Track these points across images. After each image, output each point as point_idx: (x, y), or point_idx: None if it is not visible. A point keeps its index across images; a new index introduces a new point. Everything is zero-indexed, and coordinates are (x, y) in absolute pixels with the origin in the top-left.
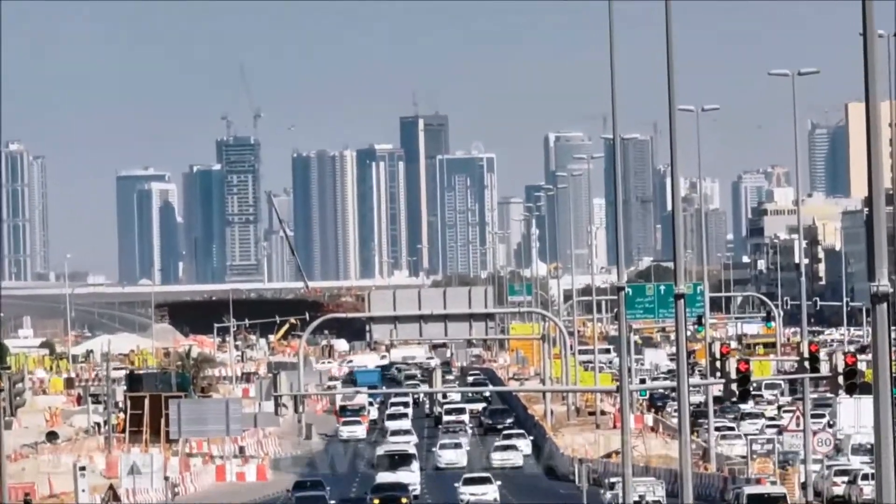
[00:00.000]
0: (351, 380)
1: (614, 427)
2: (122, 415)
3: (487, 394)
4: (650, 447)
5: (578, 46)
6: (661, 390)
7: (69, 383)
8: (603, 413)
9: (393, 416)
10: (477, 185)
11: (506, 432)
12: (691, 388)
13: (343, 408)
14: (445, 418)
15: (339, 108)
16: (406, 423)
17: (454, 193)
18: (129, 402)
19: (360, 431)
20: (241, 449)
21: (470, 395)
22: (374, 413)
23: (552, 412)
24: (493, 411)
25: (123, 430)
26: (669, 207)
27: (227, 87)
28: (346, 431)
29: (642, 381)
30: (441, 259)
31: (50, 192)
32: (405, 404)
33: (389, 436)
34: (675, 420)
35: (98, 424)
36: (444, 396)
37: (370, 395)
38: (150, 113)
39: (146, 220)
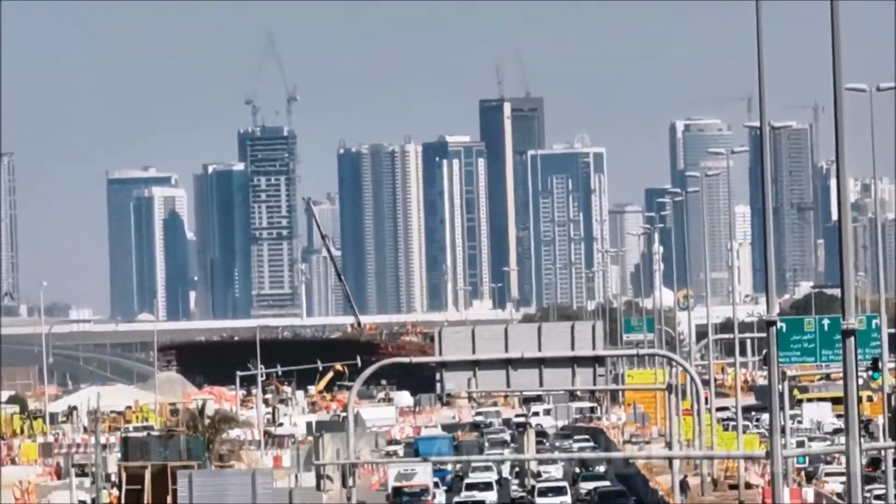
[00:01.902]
0: (413, 451)
1: None
2: (115, 492)
3: (600, 467)
4: None
5: (713, 9)
6: (823, 456)
7: (46, 450)
8: (749, 486)
9: (473, 486)
10: (581, 190)
11: None
12: (864, 453)
13: (398, 491)
14: (539, 502)
15: (398, 88)
16: None
17: (551, 200)
18: (124, 476)
19: None
20: None
21: (574, 467)
22: (441, 498)
23: (682, 485)
24: (605, 494)
25: None
26: (835, 217)
27: (251, 62)
28: None
29: (800, 445)
30: (535, 286)
31: (20, 199)
32: (486, 485)
33: None
34: (828, 486)
35: None
36: (538, 472)
37: (437, 472)
38: (151, 97)
39: (147, 235)
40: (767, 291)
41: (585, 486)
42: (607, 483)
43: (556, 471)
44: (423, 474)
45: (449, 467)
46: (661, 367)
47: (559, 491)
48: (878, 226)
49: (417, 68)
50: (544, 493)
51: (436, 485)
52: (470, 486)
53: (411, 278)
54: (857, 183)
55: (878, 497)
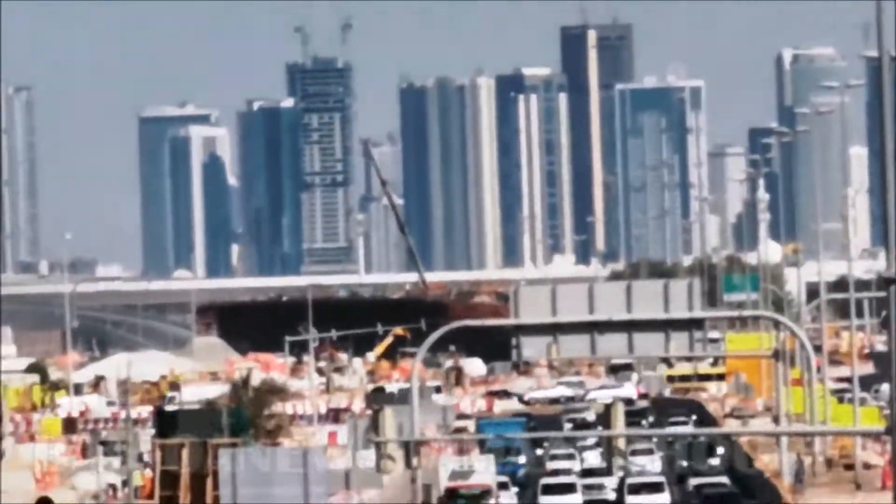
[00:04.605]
0: (479, 442)
1: (883, 488)
2: (148, 472)
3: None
4: None
5: None
6: None
7: (70, 426)
8: (867, 467)
9: (550, 489)
10: (676, 129)
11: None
12: None
13: (452, 492)
14: (630, 502)
15: (467, 13)
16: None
17: (642, 141)
18: (159, 454)
19: None
20: None
21: (680, 459)
22: (509, 500)
23: (792, 465)
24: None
25: (151, 496)
26: None
27: None
28: None
29: None
30: (624, 239)
31: (39, 141)
32: (567, 488)
33: None
34: None
35: (114, 487)
36: (625, 467)
37: (503, 464)
38: (186, 22)
39: (183, 182)
40: (888, 245)
41: (695, 482)
42: (721, 480)
43: (651, 463)
44: (484, 472)
45: (522, 459)
46: (766, 332)
47: (655, 488)
48: None
49: None
50: (636, 489)
51: (503, 485)
52: (548, 489)
53: (483, 230)
54: None
55: None
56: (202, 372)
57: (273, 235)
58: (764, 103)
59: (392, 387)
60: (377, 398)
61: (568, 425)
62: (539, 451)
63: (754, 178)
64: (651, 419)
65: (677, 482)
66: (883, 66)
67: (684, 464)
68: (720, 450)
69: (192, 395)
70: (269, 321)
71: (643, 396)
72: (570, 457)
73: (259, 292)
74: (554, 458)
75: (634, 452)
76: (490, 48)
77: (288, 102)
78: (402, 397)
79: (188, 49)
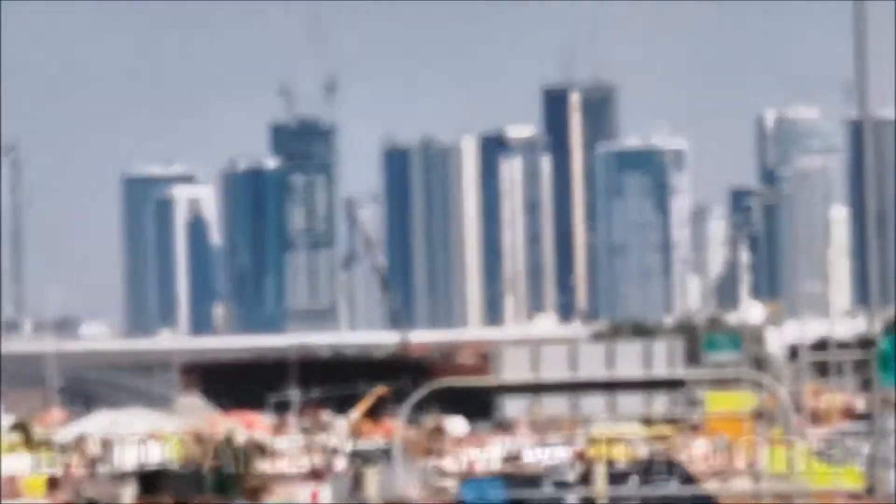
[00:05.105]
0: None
1: None
2: None
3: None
4: None
5: None
6: None
7: (53, 484)
8: None
9: None
10: (658, 189)
11: None
12: None
13: None
14: None
15: (451, 74)
16: None
17: (625, 201)
18: None
19: None
20: None
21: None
22: None
23: None
24: None
25: None
26: None
27: (286, 44)
28: None
29: None
30: (605, 299)
31: (25, 199)
32: None
33: None
34: None
35: None
36: None
37: None
38: (171, 82)
39: (167, 241)
40: (870, 305)
41: None
42: None
43: None
44: None
45: None
46: (748, 391)
47: None
48: None
49: (472, 50)
50: None
51: None
52: None
53: (466, 290)
54: None
55: None
56: (186, 431)
57: (256, 295)
58: (745, 164)
59: (373, 445)
60: (360, 458)
61: (549, 487)
62: None
63: (736, 239)
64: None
65: None
66: (865, 128)
67: None
68: None
69: (129, 457)
70: (252, 380)
71: (580, 457)
72: None
73: (242, 352)
74: None
75: None
76: (473, 108)
77: (272, 162)
78: (385, 456)
79: (173, 107)
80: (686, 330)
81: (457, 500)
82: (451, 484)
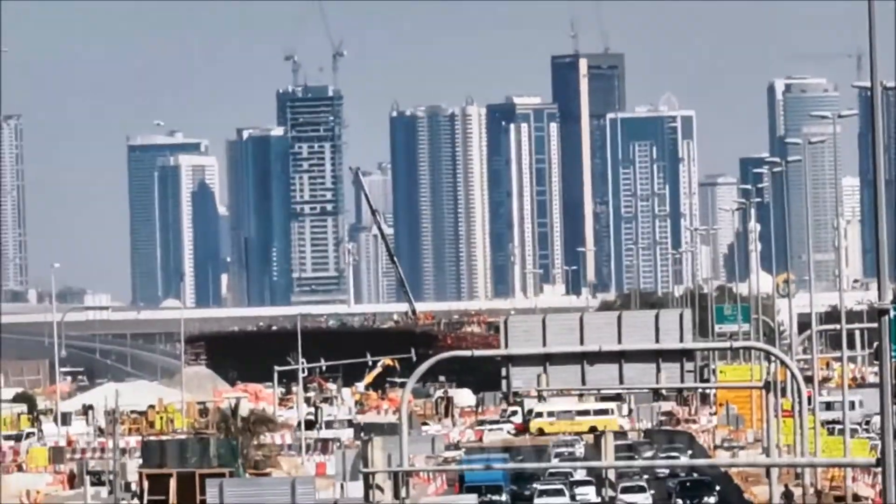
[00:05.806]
0: (458, 477)
1: None
2: (136, 502)
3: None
4: None
5: None
6: None
7: (57, 455)
8: (857, 499)
9: None
10: (668, 159)
11: None
12: None
13: None
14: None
15: (459, 42)
16: None
17: (633, 170)
18: (146, 484)
19: None
20: None
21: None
22: None
23: (782, 497)
24: (690, 484)
25: None
26: None
27: (293, 12)
28: None
29: None
30: (614, 269)
31: (28, 168)
32: None
33: None
34: None
35: None
36: (619, 481)
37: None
38: (178, 52)
39: (172, 210)
40: (880, 275)
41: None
42: None
43: (643, 501)
44: None
45: (504, 497)
46: (757, 363)
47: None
48: None
49: (481, 19)
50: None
51: None
52: None
53: (473, 260)
54: None
55: None
56: (190, 402)
57: (262, 265)
58: (755, 133)
59: (380, 417)
60: (367, 429)
61: (555, 459)
62: (527, 489)
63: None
64: (647, 454)
65: None
66: (875, 95)
67: (679, 502)
68: (717, 488)
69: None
70: (257, 351)
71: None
72: (559, 492)
73: (248, 321)
74: (543, 493)
75: (625, 490)
76: (481, 77)
77: (278, 131)
78: (391, 428)
79: (178, 77)
80: (695, 301)
81: (461, 473)
82: (456, 454)
